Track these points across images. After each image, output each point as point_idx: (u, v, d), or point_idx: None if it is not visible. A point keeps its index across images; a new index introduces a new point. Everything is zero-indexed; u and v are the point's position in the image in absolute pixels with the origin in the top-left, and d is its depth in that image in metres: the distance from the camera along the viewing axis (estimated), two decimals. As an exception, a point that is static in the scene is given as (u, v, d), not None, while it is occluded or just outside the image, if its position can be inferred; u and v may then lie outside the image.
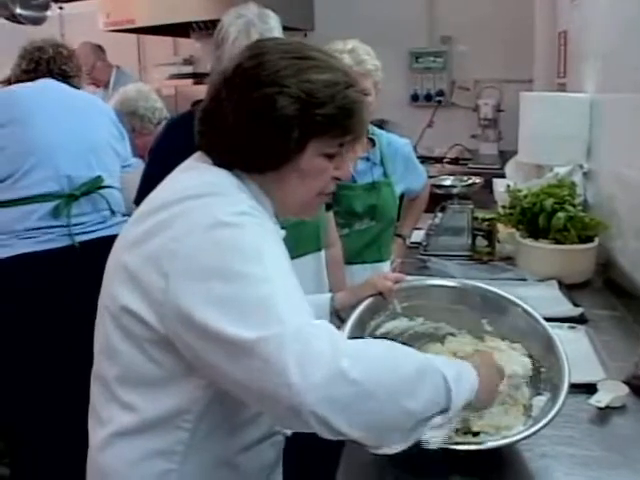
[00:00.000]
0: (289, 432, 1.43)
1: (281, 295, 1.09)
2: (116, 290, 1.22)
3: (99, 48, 5.10)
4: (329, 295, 1.61)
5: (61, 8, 5.11)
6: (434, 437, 1.14)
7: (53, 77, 2.81)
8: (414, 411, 1.09)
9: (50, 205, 2.57)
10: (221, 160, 1.29)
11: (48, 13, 4.81)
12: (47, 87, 2.77)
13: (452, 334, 1.62)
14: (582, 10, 3.19)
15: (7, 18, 4.75)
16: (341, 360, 1.03)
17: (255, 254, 1.12)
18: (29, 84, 2.76)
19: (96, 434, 1.28)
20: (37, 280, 2.53)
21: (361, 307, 1.50)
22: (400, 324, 1.60)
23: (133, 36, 6.33)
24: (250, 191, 1.27)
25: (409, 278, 1.70)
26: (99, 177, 2.72)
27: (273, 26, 2.13)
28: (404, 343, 1.22)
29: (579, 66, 3.26)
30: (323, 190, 1.33)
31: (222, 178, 1.26)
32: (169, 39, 6.43)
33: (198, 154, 1.34)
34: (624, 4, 2.39)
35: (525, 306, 1.58)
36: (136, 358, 1.20)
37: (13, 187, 2.54)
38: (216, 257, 1.11)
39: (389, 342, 1.20)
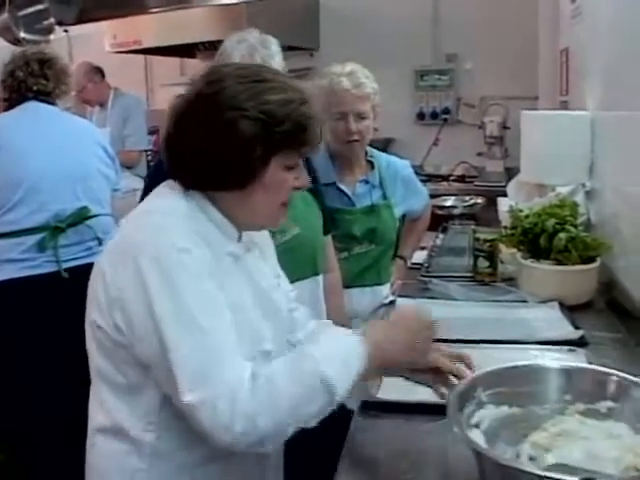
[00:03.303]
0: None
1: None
2: (88, 306, 1.34)
3: (97, 70, 5.05)
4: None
5: (66, 31, 5.16)
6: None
7: (32, 99, 2.76)
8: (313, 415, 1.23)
9: (36, 238, 2.57)
10: (186, 183, 1.36)
11: (51, 37, 4.85)
12: (30, 114, 2.73)
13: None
14: (583, 27, 3.18)
15: (11, 42, 4.80)
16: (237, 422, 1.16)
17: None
18: (12, 112, 2.74)
19: (87, 435, 1.41)
20: (23, 304, 2.55)
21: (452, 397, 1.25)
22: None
23: (140, 57, 6.39)
24: (207, 214, 1.35)
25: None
26: (85, 208, 2.72)
27: (274, 51, 2.13)
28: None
29: (581, 83, 3.25)
30: (284, 200, 1.41)
31: (175, 202, 1.34)
32: (176, 59, 6.46)
33: (169, 180, 1.40)
34: (624, 21, 2.38)
35: None
36: (107, 368, 1.32)
37: None
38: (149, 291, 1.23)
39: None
